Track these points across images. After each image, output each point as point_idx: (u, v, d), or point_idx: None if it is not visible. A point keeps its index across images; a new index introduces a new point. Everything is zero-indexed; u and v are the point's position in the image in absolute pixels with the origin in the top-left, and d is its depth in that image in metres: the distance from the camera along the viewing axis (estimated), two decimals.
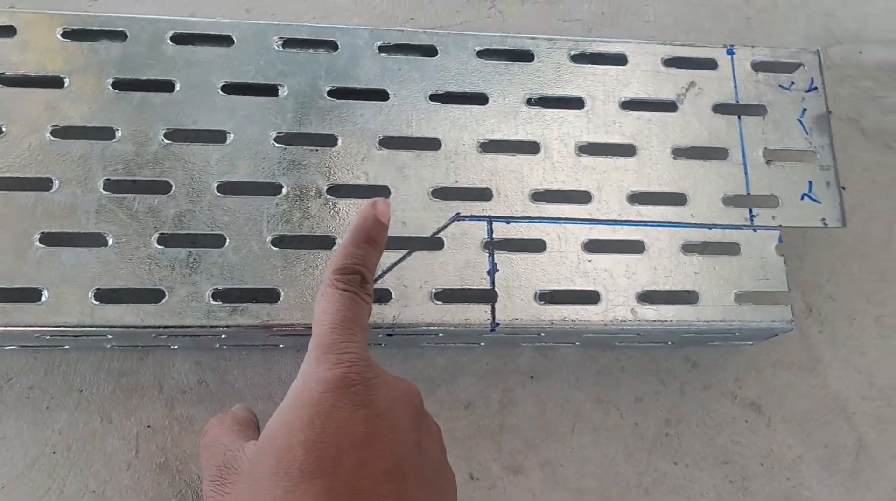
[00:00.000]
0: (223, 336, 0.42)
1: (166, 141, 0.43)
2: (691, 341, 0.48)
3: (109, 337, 0.42)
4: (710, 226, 0.46)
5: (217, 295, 0.41)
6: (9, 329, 0.39)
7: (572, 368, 0.49)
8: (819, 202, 0.47)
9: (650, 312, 0.44)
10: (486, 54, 0.47)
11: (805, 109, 0.49)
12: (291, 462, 0.31)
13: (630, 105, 0.47)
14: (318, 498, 0.30)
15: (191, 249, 0.42)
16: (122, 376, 0.45)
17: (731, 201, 0.47)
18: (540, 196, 0.45)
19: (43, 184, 0.41)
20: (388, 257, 0.43)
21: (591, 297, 0.44)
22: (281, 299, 0.41)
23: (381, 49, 0.46)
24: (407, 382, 0.35)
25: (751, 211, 0.47)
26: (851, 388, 0.51)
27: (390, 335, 0.44)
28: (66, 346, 0.44)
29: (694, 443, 0.48)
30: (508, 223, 0.45)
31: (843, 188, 0.53)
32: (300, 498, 0.30)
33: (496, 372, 0.48)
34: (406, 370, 0.47)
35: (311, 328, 0.37)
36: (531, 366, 0.48)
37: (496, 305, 0.43)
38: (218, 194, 0.42)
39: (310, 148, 0.44)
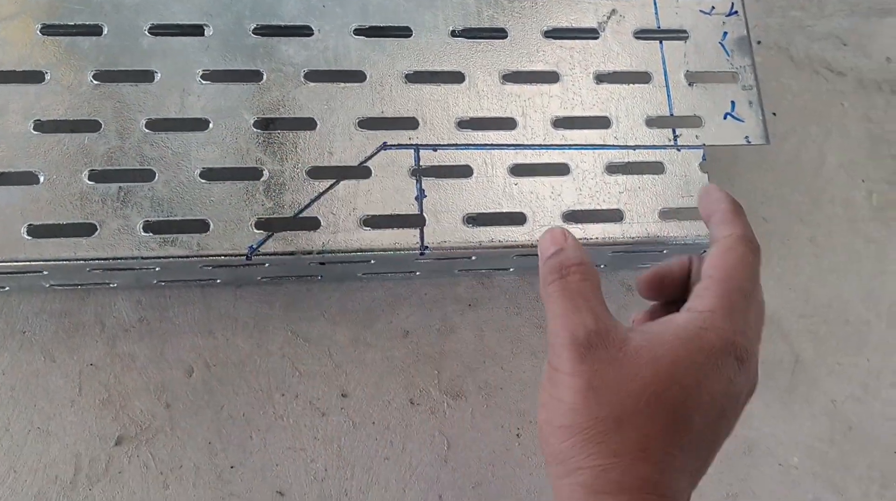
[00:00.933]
0: (157, 268, 0.43)
1: (95, 82, 0.44)
2: (622, 262, 0.49)
3: (45, 273, 0.42)
4: (633, 148, 0.47)
5: (148, 227, 0.42)
6: None
7: (509, 295, 0.50)
8: (742, 121, 0.48)
9: (576, 231, 0.45)
10: None
11: (726, 33, 0.50)
12: (665, 390, 0.33)
13: (552, 34, 0.48)
14: (664, 430, 0.33)
15: (121, 184, 0.42)
16: (64, 316, 0.46)
17: (654, 122, 0.48)
18: (466, 124, 0.46)
19: None
20: (316, 186, 0.44)
21: (517, 218, 0.45)
22: (210, 229, 0.42)
23: None
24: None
25: (674, 131, 0.48)
26: (787, 307, 0.52)
27: (322, 264, 0.44)
28: (7, 288, 0.45)
29: None
30: (435, 150, 0.46)
31: (774, 114, 0.55)
32: (652, 420, 0.32)
33: (435, 301, 0.49)
34: (346, 302, 0.48)
35: (241, 257, 0.40)
36: (469, 295, 0.49)
37: (425, 229, 0.44)
38: (146, 130, 0.43)
39: (236, 83, 0.45)
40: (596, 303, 0.35)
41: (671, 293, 0.38)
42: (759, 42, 0.57)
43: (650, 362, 0.33)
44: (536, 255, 0.46)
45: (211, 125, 0.44)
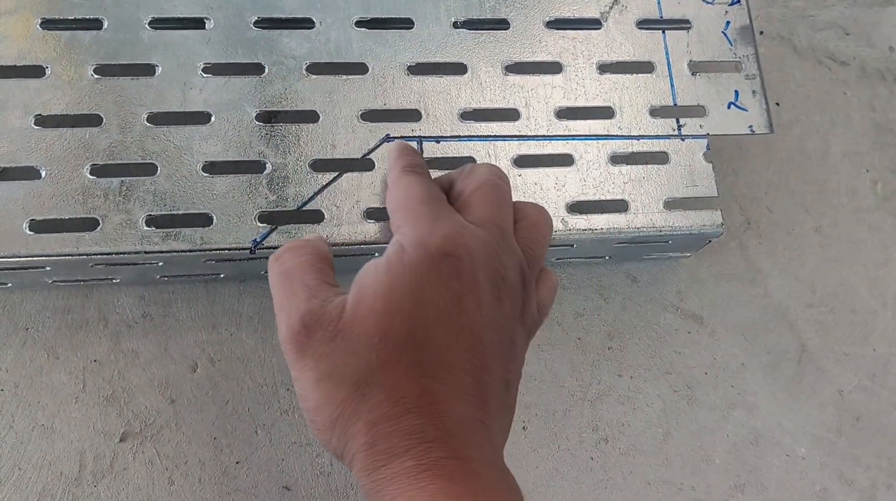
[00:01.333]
0: (160, 263, 0.43)
1: (96, 76, 0.43)
2: (627, 253, 0.49)
3: (48, 268, 0.42)
4: (637, 138, 0.47)
5: (151, 221, 0.42)
6: None
7: None
8: (746, 110, 0.48)
9: (581, 222, 0.45)
10: None
11: (728, 22, 0.50)
12: (388, 330, 0.31)
13: (555, 24, 0.48)
14: (409, 368, 0.31)
15: (123, 178, 0.42)
16: (67, 313, 0.46)
17: (658, 112, 0.47)
18: (469, 115, 0.46)
19: None
20: (319, 179, 0.43)
21: None
22: (213, 223, 0.42)
23: None
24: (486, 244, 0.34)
25: (678, 121, 0.47)
26: (793, 297, 0.52)
27: None
28: (9, 284, 0.45)
29: (637, 355, 0.49)
30: (438, 142, 0.45)
31: (777, 104, 0.55)
32: (393, 367, 0.31)
33: None
34: None
35: (245, 250, 0.40)
36: None
37: None
38: (148, 124, 0.43)
39: (238, 76, 0.45)
40: (310, 278, 0.34)
41: None
42: (761, 32, 0.56)
43: (367, 313, 0.32)
44: None
45: (213, 118, 0.44)
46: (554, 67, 0.47)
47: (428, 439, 0.30)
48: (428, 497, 0.29)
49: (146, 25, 0.45)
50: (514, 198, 0.45)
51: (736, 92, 0.48)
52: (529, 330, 0.36)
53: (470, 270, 0.33)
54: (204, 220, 0.42)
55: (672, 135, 0.47)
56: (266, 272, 0.46)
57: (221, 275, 0.46)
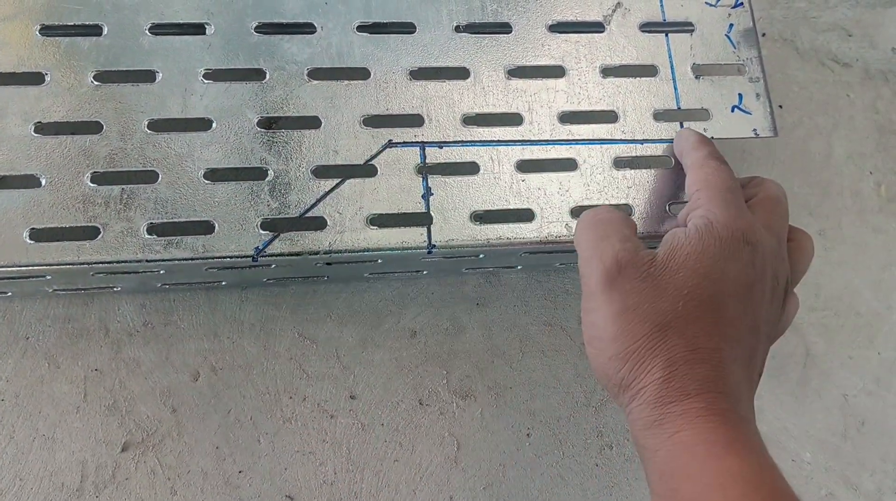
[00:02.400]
0: (161, 271, 0.42)
1: (96, 82, 0.43)
2: None
3: (48, 277, 0.42)
4: (641, 142, 0.47)
5: (152, 229, 0.41)
6: None
7: (518, 293, 0.49)
8: (749, 113, 0.48)
9: None
10: None
11: (732, 25, 0.49)
12: (696, 287, 0.35)
13: (557, 27, 0.48)
14: (708, 325, 0.35)
15: (124, 186, 0.42)
16: (68, 322, 0.45)
17: (661, 116, 0.47)
18: (471, 120, 0.46)
19: None
20: (322, 186, 0.43)
21: (525, 215, 0.44)
22: (215, 231, 0.42)
23: None
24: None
25: (682, 124, 0.47)
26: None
27: (329, 264, 0.44)
28: (9, 292, 0.45)
29: None
30: (441, 148, 0.45)
31: (781, 107, 0.54)
32: (695, 321, 0.35)
33: (442, 300, 0.49)
34: (353, 303, 0.48)
35: (247, 258, 0.41)
36: (477, 293, 0.49)
37: (432, 227, 0.43)
38: (148, 131, 0.43)
39: (239, 82, 0.44)
40: (624, 227, 0.38)
41: None
42: (763, 34, 0.56)
43: (678, 268, 0.36)
44: (545, 253, 0.46)
45: (214, 125, 0.43)
46: (557, 71, 0.47)
47: (717, 389, 0.34)
48: (718, 437, 0.32)
49: (146, 31, 0.44)
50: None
51: (740, 95, 0.48)
52: (773, 338, 0.40)
53: (762, 264, 0.37)
54: (206, 228, 0.42)
55: None
56: (269, 279, 0.46)
57: (223, 283, 0.46)
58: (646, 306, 0.35)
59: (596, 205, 0.41)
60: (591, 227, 0.38)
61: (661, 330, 0.34)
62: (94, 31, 0.44)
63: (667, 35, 0.49)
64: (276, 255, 0.42)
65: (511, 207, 0.44)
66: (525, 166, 0.45)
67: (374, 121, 0.45)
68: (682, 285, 0.35)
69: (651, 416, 0.34)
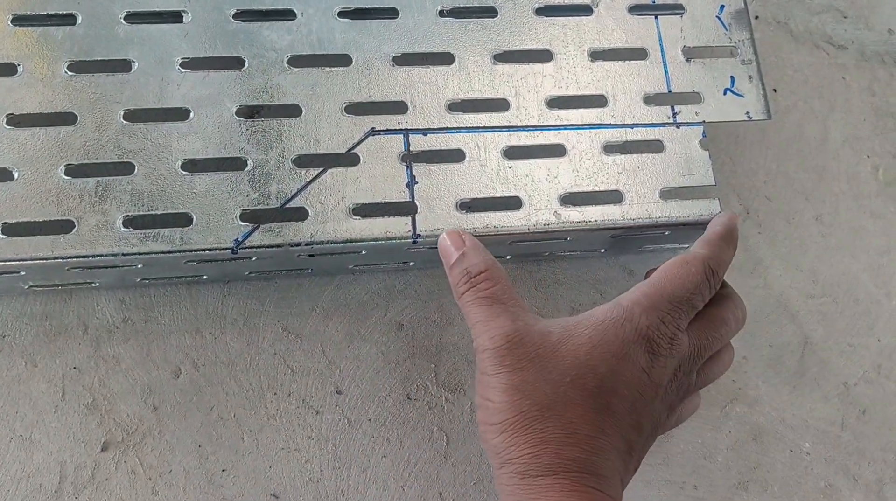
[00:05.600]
0: (139, 265, 0.41)
1: (70, 73, 0.42)
2: (623, 247, 0.48)
3: (23, 273, 0.41)
4: (631, 126, 0.45)
5: (128, 222, 0.40)
6: None
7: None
8: (742, 96, 0.47)
9: (574, 214, 0.43)
10: None
11: (723, 6, 0.48)
12: (582, 377, 0.36)
13: (544, 11, 0.47)
14: (589, 414, 0.36)
15: (99, 178, 0.41)
16: (46, 319, 0.44)
17: (652, 100, 0.46)
18: (457, 106, 0.44)
19: None
20: (303, 175, 0.42)
21: (513, 203, 0.43)
22: (194, 223, 0.41)
23: None
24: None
25: (673, 108, 0.46)
26: (794, 287, 0.50)
27: (311, 256, 0.43)
28: None
29: None
30: (425, 135, 0.44)
31: (775, 90, 0.53)
32: (575, 407, 0.36)
33: (430, 292, 0.47)
34: (339, 296, 0.46)
35: (226, 250, 0.40)
36: None
37: (416, 217, 0.42)
38: (124, 122, 0.42)
39: (217, 71, 0.43)
40: (511, 304, 0.38)
41: None
42: (756, 17, 0.55)
43: (569, 353, 0.37)
44: (534, 241, 0.45)
45: (192, 115, 0.42)
46: (544, 55, 0.46)
47: (587, 470, 0.35)
48: None
49: (121, 20, 0.43)
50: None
51: (732, 77, 0.47)
52: (660, 433, 0.41)
53: (660, 373, 0.37)
54: (184, 220, 0.41)
55: (667, 124, 0.46)
56: (251, 273, 0.45)
57: (204, 277, 0.45)
58: (530, 385, 0.36)
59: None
60: (478, 307, 0.38)
61: (540, 409, 0.35)
62: (68, 20, 0.43)
63: (656, 17, 0.47)
64: (257, 247, 0.41)
65: (498, 195, 0.43)
66: (512, 153, 0.44)
67: (356, 109, 0.44)
68: (566, 371, 0.36)
69: (517, 487, 0.35)
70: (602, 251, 0.48)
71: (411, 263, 0.47)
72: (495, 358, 0.37)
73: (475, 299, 0.38)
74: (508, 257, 0.47)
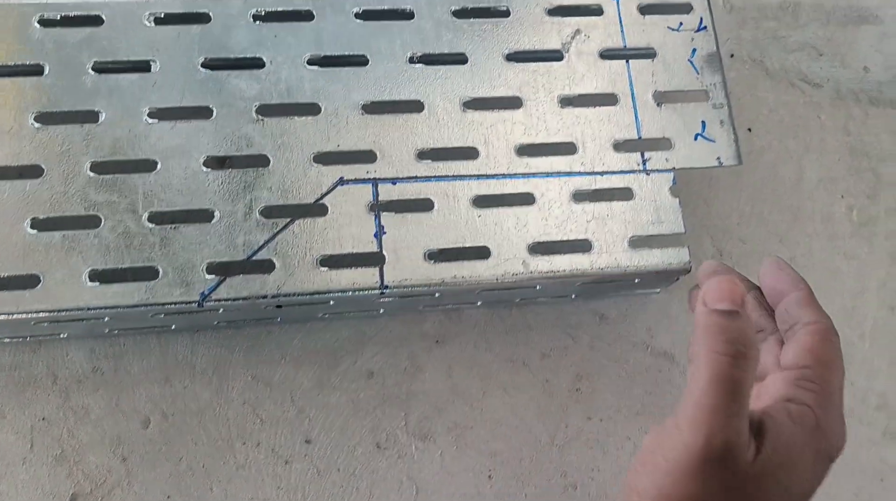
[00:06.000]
0: (106, 318, 0.41)
1: (37, 124, 0.42)
2: (594, 292, 0.48)
3: None
4: (601, 173, 0.45)
5: (95, 275, 0.40)
6: None
7: (479, 329, 0.48)
8: (713, 141, 0.47)
9: (543, 263, 0.43)
10: (364, 15, 0.46)
11: (695, 49, 0.48)
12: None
13: (514, 57, 0.47)
14: None
15: (65, 232, 0.41)
16: (14, 369, 0.44)
17: (622, 146, 0.46)
18: (426, 154, 0.44)
19: None
20: (271, 226, 0.42)
21: (481, 253, 0.43)
22: (160, 276, 0.41)
23: (255, 17, 0.45)
24: None
25: (643, 154, 0.46)
26: None
27: (279, 306, 0.43)
28: None
29: (607, 397, 0.48)
30: (394, 184, 0.44)
31: (750, 130, 0.53)
32: None
33: (401, 339, 0.47)
34: (309, 343, 0.46)
35: (192, 304, 0.40)
36: (437, 330, 0.48)
37: (384, 267, 0.42)
38: (91, 174, 0.42)
39: (185, 121, 0.43)
40: (746, 408, 0.31)
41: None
42: (731, 55, 0.55)
43: (771, 482, 0.31)
44: (503, 290, 0.45)
45: (160, 166, 0.42)
46: (514, 102, 0.46)
47: None
48: None
49: (89, 70, 0.43)
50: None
51: (703, 122, 0.47)
52: None
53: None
54: (150, 274, 0.41)
55: (637, 170, 0.46)
56: (220, 323, 0.45)
57: (173, 327, 0.45)
58: None
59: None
60: (721, 384, 0.30)
61: None
62: (36, 70, 0.43)
63: (627, 61, 0.47)
64: (223, 300, 0.41)
65: (467, 245, 0.43)
66: (481, 201, 0.44)
67: (324, 158, 0.44)
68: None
69: None
70: (573, 296, 0.48)
71: (381, 310, 0.46)
72: (700, 462, 0.30)
73: (723, 376, 0.30)
74: (479, 303, 0.47)
